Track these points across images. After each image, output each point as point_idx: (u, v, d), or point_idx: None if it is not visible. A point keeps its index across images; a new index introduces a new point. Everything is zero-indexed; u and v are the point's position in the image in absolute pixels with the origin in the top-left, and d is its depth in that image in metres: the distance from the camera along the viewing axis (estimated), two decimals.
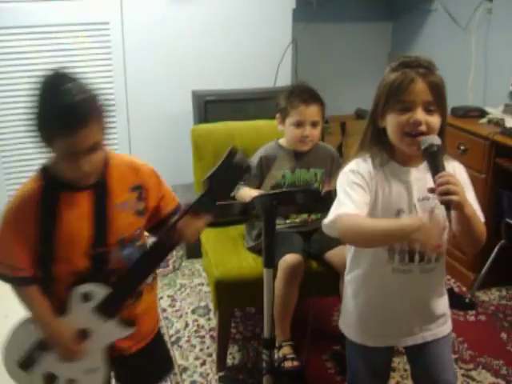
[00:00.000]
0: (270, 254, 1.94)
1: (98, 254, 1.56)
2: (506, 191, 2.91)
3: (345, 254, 2.40)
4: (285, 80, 3.78)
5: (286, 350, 2.33)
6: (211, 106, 3.42)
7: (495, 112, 3.27)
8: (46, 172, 1.54)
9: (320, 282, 2.40)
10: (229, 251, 2.58)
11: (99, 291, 1.58)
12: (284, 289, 2.31)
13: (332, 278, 2.40)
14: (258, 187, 2.58)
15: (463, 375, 2.51)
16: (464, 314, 2.97)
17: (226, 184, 1.56)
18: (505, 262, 3.02)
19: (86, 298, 1.58)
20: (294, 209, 2.25)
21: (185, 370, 2.57)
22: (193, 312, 3.02)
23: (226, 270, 2.43)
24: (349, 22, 4.54)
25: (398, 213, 1.60)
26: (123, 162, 1.63)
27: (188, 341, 2.77)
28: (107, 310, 1.59)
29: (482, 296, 3.15)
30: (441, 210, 1.50)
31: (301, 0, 3.92)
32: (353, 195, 1.58)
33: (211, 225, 2.76)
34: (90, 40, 3.48)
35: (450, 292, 3.04)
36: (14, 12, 3.39)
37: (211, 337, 2.79)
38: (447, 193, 1.41)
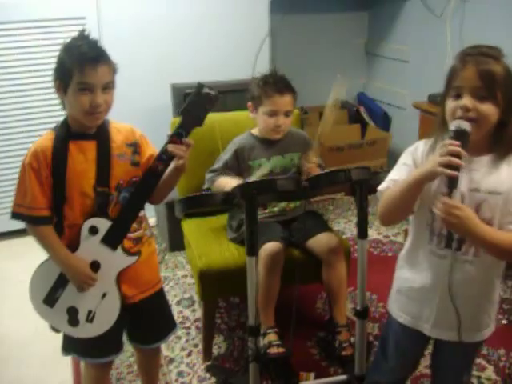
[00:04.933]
0: (252, 242, 1.97)
1: (100, 192, 1.79)
2: None
3: (326, 241, 2.44)
4: (263, 71, 3.78)
5: (271, 337, 2.35)
6: None
7: None
8: (57, 128, 1.81)
9: (302, 270, 2.42)
10: (211, 242, 2.59)
11: (104, 224, 1.80)
12: (266, 277, 2.34)
13: (314, 265, 2.44)
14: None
15: None
16: None
17: (198, 113, 1.79)
18: None
19: (93, 231, 1.79)
20: (274, 197, 2.27)
21: (171, 361, 2.59)
22: (177, 304, 3.04)
23: (210, 261, 2.45)
24: (325, 13, 4.57)
25: None
26: (122, 124, 1.93)
27: None
28: (112, 240, 1.81)
29: None
30: (489, 205, 1.54)
31: None
32: (398, 174, 1.65)
33: (193, 214, 2.80)
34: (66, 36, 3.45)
35: None
36: None
37: (196, 327, 2.81)
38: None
